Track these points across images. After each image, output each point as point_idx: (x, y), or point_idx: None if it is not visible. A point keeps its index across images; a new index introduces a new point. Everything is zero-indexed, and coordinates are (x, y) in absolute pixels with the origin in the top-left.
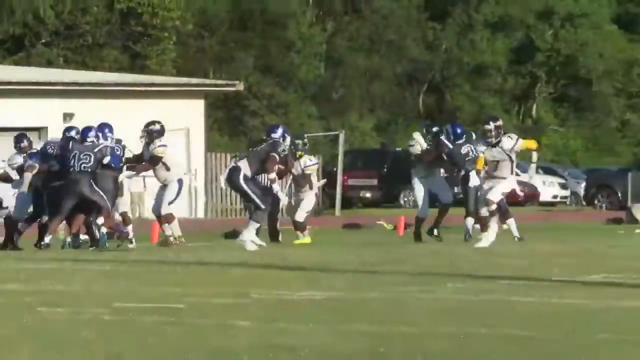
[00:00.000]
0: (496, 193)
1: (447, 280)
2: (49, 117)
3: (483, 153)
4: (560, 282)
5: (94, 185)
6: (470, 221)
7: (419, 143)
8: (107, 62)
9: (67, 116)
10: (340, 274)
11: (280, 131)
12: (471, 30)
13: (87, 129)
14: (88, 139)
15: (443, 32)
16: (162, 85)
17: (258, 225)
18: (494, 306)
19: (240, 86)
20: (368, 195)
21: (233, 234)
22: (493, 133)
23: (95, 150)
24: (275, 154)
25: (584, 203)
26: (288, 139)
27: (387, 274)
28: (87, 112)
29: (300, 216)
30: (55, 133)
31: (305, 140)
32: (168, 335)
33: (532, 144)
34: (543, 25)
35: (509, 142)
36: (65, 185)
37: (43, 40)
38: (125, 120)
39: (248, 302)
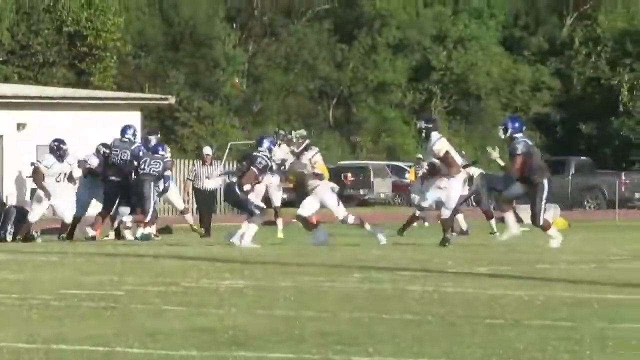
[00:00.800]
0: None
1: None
2: (4, 126)
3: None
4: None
5: (152, 190)
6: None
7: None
8: (56, 79)
9: (20, 126)
10: (260, 264)
11: (265, 144)
12: (375, 51)
13: (159, 145)
14: (160, 152)
15: (350, 53)
16: (103, 99)
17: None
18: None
19: (172, 100)
20: (284, 196)
21: (166, 230)
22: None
23: (165, 161)
24: (253, 168)
25: (473, 204)
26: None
27: (299, 266)
28: (38, 123)
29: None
30: (9, 141)
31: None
32: (107, 319)
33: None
34: (438, 47)
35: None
36: (130, 185)
37: (0, 59)
38: (72, 129)
39: (178, 290)
